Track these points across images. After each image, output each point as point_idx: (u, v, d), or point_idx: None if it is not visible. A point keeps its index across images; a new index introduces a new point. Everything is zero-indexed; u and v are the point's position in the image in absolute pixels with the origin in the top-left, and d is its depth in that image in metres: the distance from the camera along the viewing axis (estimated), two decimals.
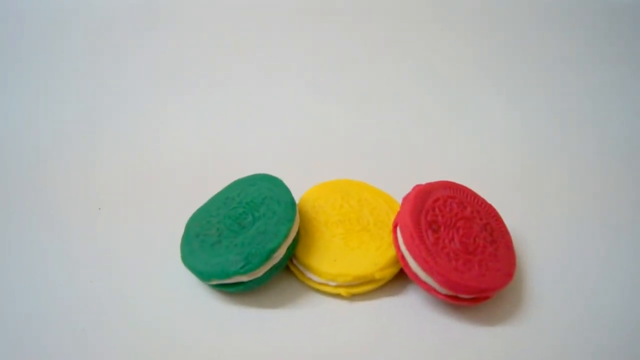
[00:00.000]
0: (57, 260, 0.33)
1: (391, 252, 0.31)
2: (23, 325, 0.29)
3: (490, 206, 0.32)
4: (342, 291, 0.30)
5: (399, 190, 0.32)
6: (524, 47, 0.46)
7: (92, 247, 0.33)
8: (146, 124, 0.41)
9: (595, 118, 0.42)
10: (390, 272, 0.30)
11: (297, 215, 0.31)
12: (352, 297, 0.31)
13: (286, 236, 0.29)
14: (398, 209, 0.32)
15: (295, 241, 0.31)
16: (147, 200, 0.36)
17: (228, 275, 0.29)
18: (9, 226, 0.35)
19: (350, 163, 0.38)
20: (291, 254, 0.31)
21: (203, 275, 0.30)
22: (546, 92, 0.44)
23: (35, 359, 0.28)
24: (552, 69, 0.45)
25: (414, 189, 0.31)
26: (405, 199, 0.31)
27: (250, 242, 0.29)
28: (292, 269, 0.32)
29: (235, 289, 0.30)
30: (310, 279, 0.31)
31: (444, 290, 0.28)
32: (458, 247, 0.29)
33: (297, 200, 0.32)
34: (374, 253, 0.31)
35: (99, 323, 0.29)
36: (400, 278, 0.31)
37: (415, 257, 0.29)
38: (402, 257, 0.30)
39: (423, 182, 0.32)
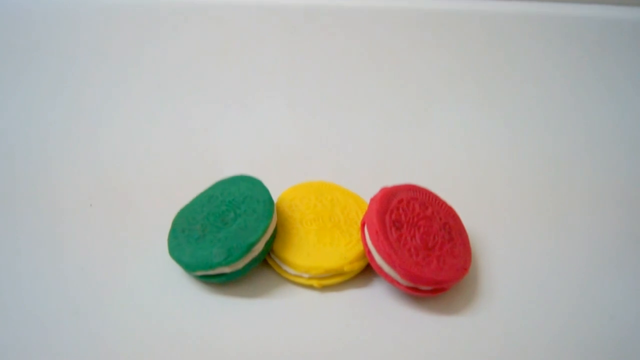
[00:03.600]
0: (49, 251, 0.35)
1: (359, 248, 0.33)
2: (16, 310, 0.32)
3: (450, 207, 0.36)
4: (315, 282, 0.33)
5: (368, 191, 0.35)
6: (486, 61, 0.49)
7: (84, 239, 0.36)
8: (136, 129, 0.43)
9: (547, 126, 0.46)
10: (358, 265, 0.33)
11: (275, 213, 0.33)
12: (324, 288, 0.33)
13: (265, 231, 0.32)
14: (366, 208, 0.34)
15: (273, 236, 0.33)
16: (136, 199, 0.38)
17: (212, 267, 0.32)
18: (5, 218, 0.37)
19: (323, 167, 0.41)
20: (269, 248, 0.33)
21: (189, 267, 0.33)
22: (503, 103, 0.47)
23: (28, 342, 0.31)
24: (510, 83, 0.48)
25: (380, 190, 0.34)
26: (372, 199, 0.34)
27: (232, 237, 0.32)
28: (270, 262, 0.34)
29: (218, 280, 0.33)
30: (285, 271, 0.34)
31: (405, 282, 0.32)
32: (419, 244, 0.32)
33: (275, 199, 0.35)
34: (344, 248, 0.34)
35: (91, 308, 0.32)
36: (367, 272, 0.34)
37: (380, 252, 0.32)
38: (369, 251, 0.33)
39: (389, 184, 0.35)
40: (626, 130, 0.46)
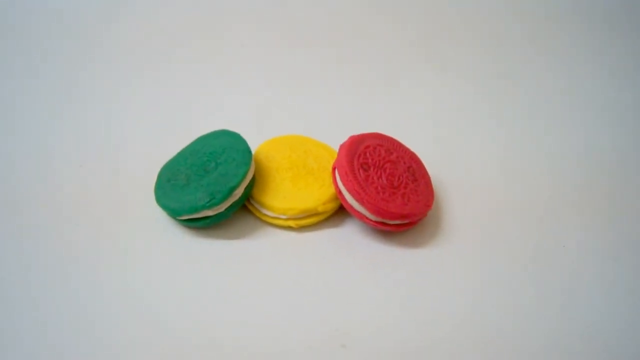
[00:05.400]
0: (45, 209, 0.37)
1: (331, 190, 0.36)
2: (18, 260, 0.35)
3: (413, 153, 0.39)
4: (292, 223, 0.36)
5: (338, 144, 0.37)
6: (449, 29, 0.53)
7: (77, 193, 0.38)
8: (121, 95, 0.46)
9: (507, 85, 0.49)
10: (330, 206, 0.36)
11: (253, 161, 0.36)
12: (300, 228, 0.36)
13: (244, 176, 0.35)
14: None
15: (252, 184, 0.36)
16: (123, 156, 0.41)
17: (196, 210, 0.34)
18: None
19: (297, 122, 0.44)
20: (249, 193, 0.36)
21: (175, 212, 0.35)
22: (466, 66, 0.51)
23: (31, 287, 0.33)
24: (472, 50, 0.52)
25: (349, 138, 0.37)
26: (341, 146, 0.36)
27: (214, 183, 0.35)
28: (249, 207, 0.37)
29: (202, 224, 0.35)
30: (264, 214, 0.36)
31: (373, 217, 0.35)
32: (385, 183, 0.36)
33: (253, 151, 0.38)
34: (317, 191, 0.36)
35: (85, 250, 0.35)
36: (339, 213, 0.37)
37: (349, 191, 0.35)
38: (340, 192, 0.35)
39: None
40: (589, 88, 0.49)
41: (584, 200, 0.40)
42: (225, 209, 0.35)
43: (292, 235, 0.36)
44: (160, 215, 0.37)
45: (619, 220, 0.39)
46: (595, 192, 0.41)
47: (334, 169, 0.36)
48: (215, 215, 0.35)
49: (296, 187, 0.37)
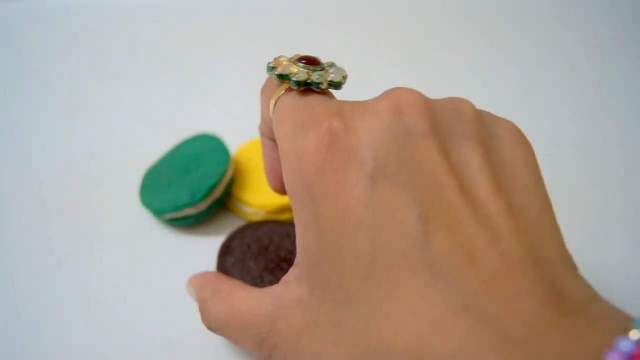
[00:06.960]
0: (39, 211, 0.39)
1: None
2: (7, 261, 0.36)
3: None
4: (271, 218, 0.38)
5: None
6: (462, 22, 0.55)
7: (67, 196, 0.40)
8: (108, 103, 0.48)
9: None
10: None
11: (232, 161, 0.38)
12: None
13: (223, 175, 0.37)
14: None
15: (231, 183, 0.38)
16: (111, 160, 0.43)
17: (178, 209, 0.36)
18: None
19: None
20: (229, 192, 0.38)
21: (158, 211, 0.37)
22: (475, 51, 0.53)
23: (20, 288, 0.35)
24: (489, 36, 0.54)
25: None
26: None
27: (195, 182, 0.37)
28: (230, 206, 0.39)
29: (185, 222, 0.37)
30: (244, 212, 0.38)
31: None
32: None
33: (233, 152, 0.40)
34: None
35: (74, 249, 0.37)
36: None
37: None
38: None
39: None
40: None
41: (581, 193, 0.41)
42: (206, 208, 0.37)
43: None
44: (145, 216, 0.38)
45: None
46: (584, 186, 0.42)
47: None
48: (197, 214, 0.37)
49: None
